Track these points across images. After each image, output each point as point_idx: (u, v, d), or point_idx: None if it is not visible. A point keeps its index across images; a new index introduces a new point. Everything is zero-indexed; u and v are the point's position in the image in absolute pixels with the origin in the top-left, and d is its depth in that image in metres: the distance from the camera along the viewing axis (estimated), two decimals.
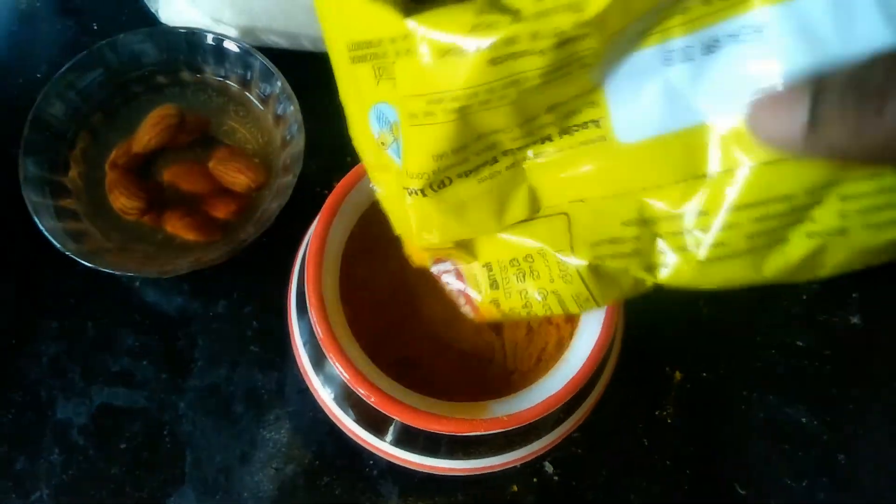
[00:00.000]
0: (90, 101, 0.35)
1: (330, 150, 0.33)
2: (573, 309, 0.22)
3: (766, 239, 0.18)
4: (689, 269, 0.19)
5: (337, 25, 0.19)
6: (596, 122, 0.19)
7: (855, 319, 0.35)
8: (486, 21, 0.16)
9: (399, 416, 0.23)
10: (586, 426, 0.28)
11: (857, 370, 0.34)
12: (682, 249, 0.19)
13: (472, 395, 0.25)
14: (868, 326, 0.35)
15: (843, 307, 0.36)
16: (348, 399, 0.26)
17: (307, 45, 0.36)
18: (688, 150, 0.18)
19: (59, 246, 0.30)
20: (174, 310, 0.34)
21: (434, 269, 0.24)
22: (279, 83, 0.34)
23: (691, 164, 0.18)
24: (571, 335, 0.26)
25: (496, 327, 0.28)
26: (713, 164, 0.18)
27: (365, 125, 0.20)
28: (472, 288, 0.23)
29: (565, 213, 0.21)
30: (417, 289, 0.29)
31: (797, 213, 0.17)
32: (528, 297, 0.22)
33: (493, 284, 0.22)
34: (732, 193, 0.18)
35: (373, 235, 0.27)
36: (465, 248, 0.22)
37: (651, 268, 0.20)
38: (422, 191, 0.20)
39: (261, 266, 0.34)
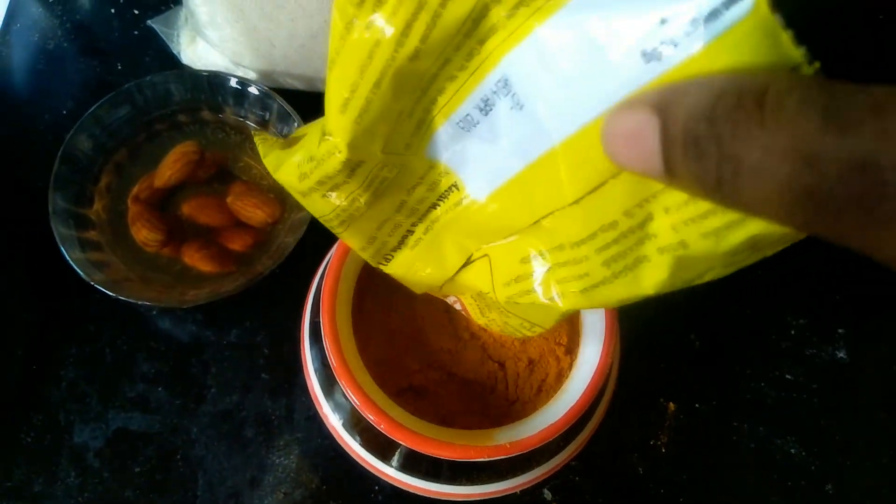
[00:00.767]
0: (116, 138, 0.37)
1: None
2: (527, 333, 0.23)
3: (623, 262, 0.18)
4: (576, 298, 0.20)
5: None
6: (456, 187, 0.21)
7: (841, 354, 0.37)
8: (303, 171, 0.20)
9: (407, 442, 0.25)
10: (584, 454, 0.29)
11: (844, 403, 0.36)
12: (562, 282, 0.20)
13: (475, 424, 0.27)
14: (854, 361, 0.37)
15: (830, 342, 0.37)
16: (356, 425, 0.27)
17: (322, 88, 0.39)
18: (520, 197, 0.20)
19: (84, 276, 0.32)
20: (188, 337, 0.35)
21: (447, 298, 0.26)
22: (296, 124, 0.36)
23: (529, 208, 0.20)
24: (571, 367, 0.28)
25: (500, 359, 0.30)
26: (545, 208, 0.19)
27: None
28: (469, 313, 0.26)
29: (487, 256, 0.23)
30: (424, 321, 0.30)
31: (634, 233, 0.17)
32: (497, 323, 0.24)
33: (480, 312, 0.25)
34: (565, 232, 0.19)
35: (382, 271, 0.28)
36: (453, 286, 0.25)
37: (552, 299, 0.20)
38: (380, 264, 0.24)
39: (273, 296, 0.35)
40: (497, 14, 0.17)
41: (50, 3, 0.44)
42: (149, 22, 0.41)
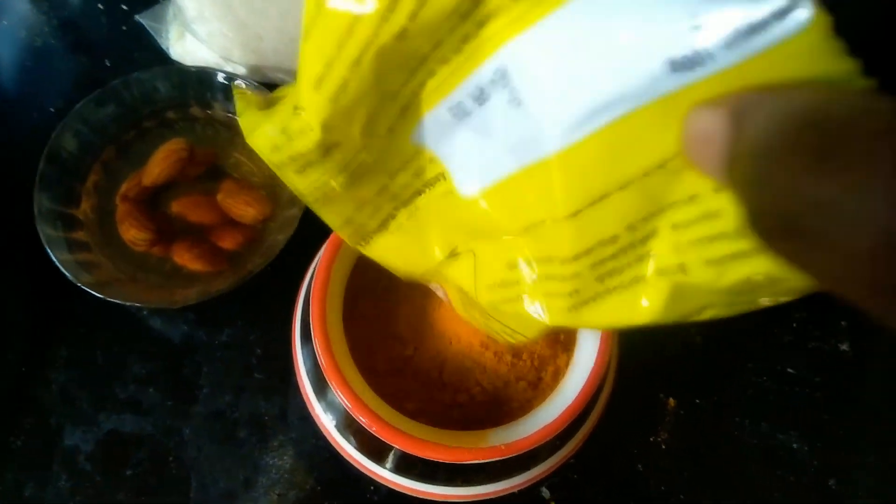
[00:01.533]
0: (103, 136, 0.36)
1: None
2: (509, 340, 0.22)
3: (619, 279, 0.17)
4: (562, 315, 0.18)
5: None
6: (442, 175, 0.20)
7: (844, 347, 0.36)
8: (276, 143, 0.19)
9: (399, 444, 0.24)
10: (582, 452, 0.29)
11: (847, 397, 0.35)
12: (549, 296, 0.19)
13: (470, 424, 0.26)
14: (857, 354, 0.36)
15: (833, 335, 0.36)
16: (349, 427, 0.27)
17: None
18: (511, 201, 0.18)
19: (71, 278, 0.31)
20: (180, 338, 0.35)
21: (431, 285, 0.25)
22: None
23: (521, 214, 0.18)
24: (567, 364, 0.27)
25: (495, 358, 0.29)
26: (536, 216, 0.18)
27: None
28: (453, 305, 0.24)
29: (472, 252, 0.21)
30: (416, 319, 0.29)
31: (635, 249, 0.16)
32: (478, 322, 0.23)
33: (463, 306, 0.23)
34: (557, 246, 0.17)
35: (374, 268, 0.28)
36: (437, 275, 0.23)
37: (537, 311, 0.19)
38: (359, 245, 0.23)
39: (265, 295, 0.35)
40: None
41: (37, 0, 0.43)
42: (137, 17, 0.41)
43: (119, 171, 0.36)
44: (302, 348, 0.28)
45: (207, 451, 0.33)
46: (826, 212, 0.11)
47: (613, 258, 0.17)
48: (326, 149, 0.18)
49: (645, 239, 0.16)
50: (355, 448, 0.27)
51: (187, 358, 0.34)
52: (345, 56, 0.16)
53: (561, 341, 0.28)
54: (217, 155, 0.37)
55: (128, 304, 0.32)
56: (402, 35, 0.16)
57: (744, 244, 0.14)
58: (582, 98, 0.15)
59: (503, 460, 0.25)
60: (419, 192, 0.21)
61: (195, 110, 0.38)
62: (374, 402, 0.25)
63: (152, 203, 0.36)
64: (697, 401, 0.35)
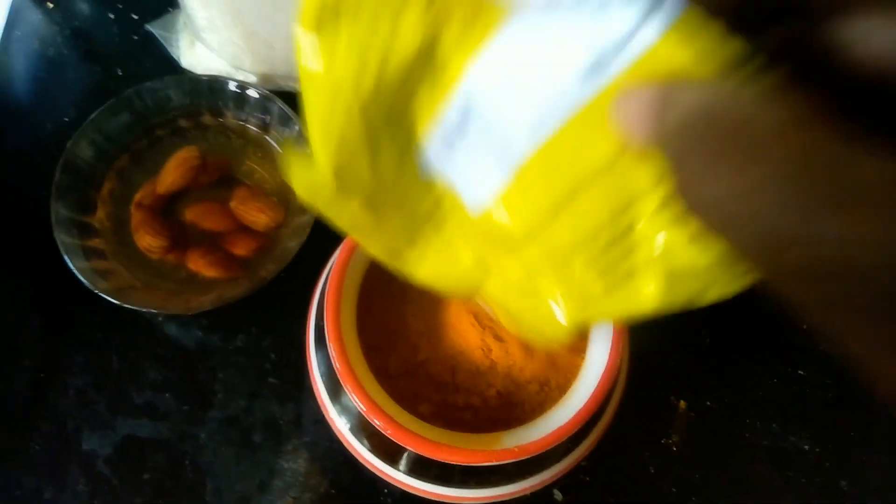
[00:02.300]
0: (117, 145, 0.37)
1: None
2: (548, 346, 0.23)
3: (615, 274, 0.18)
4: (577, 313, 0.20)
5: None
6: (458, 200, 0.21)
7: None
8: (311, 193, 0.20)
9: (413, 447, 0.24)
10: (594, 455, 0.29)
11: (857, 398, 0.35)
12: (564, 297, 0.20)
13: (483, 427, 0.27)
14: None
15: None
16: (364, 429, 0.27)
17: None
18: (516, 207, 0.19)
19: (88, 285, 0.32)
20: (195, 344, 0.35)
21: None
22: (297, 127, 0.35)
23: (525, 219, 0.19)
24: (579, 367, 0.28)
25: (508, 361, 0.29)
26: (536, 220, 0.19)
27: None
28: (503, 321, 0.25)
29: (498, 266, 0.22)
30: (429, 323, 0.30)
31: (621, 242, 0.17)
32: (521, 332, 0.23)
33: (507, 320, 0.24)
34: (559, 245, 0.19)
35: (386, 273, 0.28)
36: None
37: (554, 316, 0.20)
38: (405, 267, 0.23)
39: (279, 301, 0.35)
40: (448, 38, 0.17)
41: (49, 10, 0.43)
42: (148, 26, 0.41)
43: (133, 179, 0.37)
44: (316, 353, 0.28)
45: (223, 455, 0.33)
46: (715, 211, 0.12)
47: (605, 253, 0.18)
48: (345, 192, 0.20)
49: (626, 231, 0.17)
50: (369, 451, 0.27)
51: (202, 363, 0.35)
52: (337, 115, 0.18)
53: (574, 344, 0.29)
54: (229, 163, 0.37)
55: (143, 310, 0.32)
56: (377, 91, 0.18)
57: None
58: (531, 108, 0.17)
59: (516, 462, 0.25)
60: (444, 219, 0.22)
61: (207, 119, 0.38)
62: (388, 405, 0.25)
63: (166, 211, 0.36)
64: (708, 403, 0.35)
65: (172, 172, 0.35)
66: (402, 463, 0.27)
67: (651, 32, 0.14)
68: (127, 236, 0.35)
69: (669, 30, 0.14)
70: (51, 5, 0.44)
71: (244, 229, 0.35)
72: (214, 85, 0.37)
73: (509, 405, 0.28)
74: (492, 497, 0.28)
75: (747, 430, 0.34)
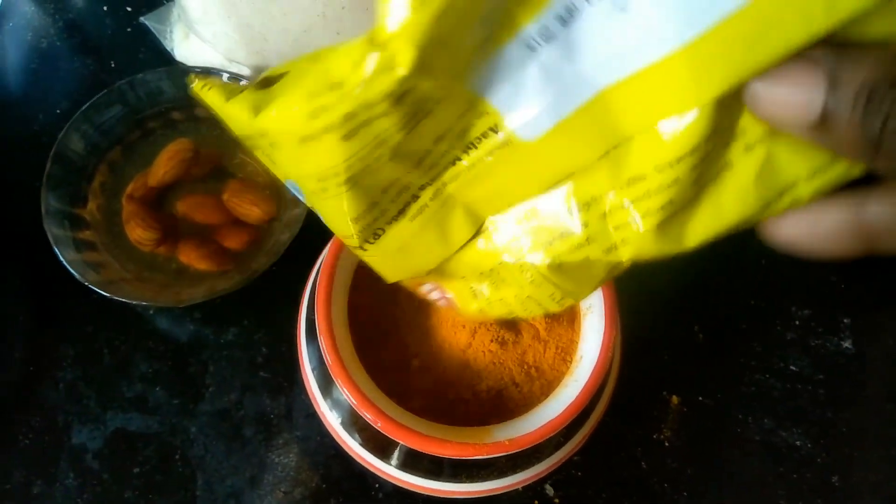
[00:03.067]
0: (109, 137, 0.36)
1: None
2: (553, 308, 0.21)
3: (709, 175, 0.17)
4: (649, 238, 0.18)
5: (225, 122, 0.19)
6: (494, 129, 0.18)
7: (847, 344, 0.36)
8: (320, 104, 0.16)
9: (405, 440, 0.24)
10: (586, 449, 0.29)
11: (849, 394, 0.35)
12: (631, 223, 0.18)
13: (475, 420, 0.27)
14: (859, 351, 0.36)
15: (835, 332, 0.37)
16: (355, 423, 0.27)
17: None
18: (596, 123, 0.17)
19: (78, 277, 0.31)
20: (186, 337, 0.35)
21: (421, 291, 0.24)
22: None
23: (606, 136, 0.17)
24: (571, 361, 0.28)
25: (501, 353, 0.29)
26: (627, 130, 0.17)
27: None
28: (457, 302, 0.23)
29: (523, 213, 0.20)
30: (422, 317, 0.30)
31: (730, 131, 0.16)
32: (507, 303, 0.22)
33: (475, 295, 0.22)
34: (661, 151, 0.16)
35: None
36: (438, 272, 0.22)
37: (611, 249, 0.19)
38: (361, 247, 0.20)
39: (270, 294, 0.35)
40: None
41: (42, 1, 0.43)
42: (141, 19, 0.41)
43: (125, 172, 0.37)
44: (307, 346, 0.28)
45: (213, 449, 0.33)
46: None
47: (715, 150, 0.16)
48: (402, 94, 0.16)
49: (732, 125, 0.16)
50: (360, 445, 0.27)
51: (193, 357, 0.35)
52: None
53: (565, 336, 0.29)
54: (222, 155, 0.37)
55: (134, 303, 0.32)
56: None
57: None
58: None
59: (507, 456, 0.25)
60: (454, 161, 0.19)
61: (200, 111, 0.38)
62: (379, 399, 0.25)
63: (158, 203, 0.36)
64: (700, 398, 0.35)
65: (164, 165, 0.35)
66: (394, 457, 0.27)
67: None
68: (118, 228, 0.35)
69: None
70: None
71: (236, 222, 0.35)
72: (207, 77, 0.36)
73: (501, 399, 0.28)
74: (483, 491, 0.28)
75: (739, 426, 0.34)
